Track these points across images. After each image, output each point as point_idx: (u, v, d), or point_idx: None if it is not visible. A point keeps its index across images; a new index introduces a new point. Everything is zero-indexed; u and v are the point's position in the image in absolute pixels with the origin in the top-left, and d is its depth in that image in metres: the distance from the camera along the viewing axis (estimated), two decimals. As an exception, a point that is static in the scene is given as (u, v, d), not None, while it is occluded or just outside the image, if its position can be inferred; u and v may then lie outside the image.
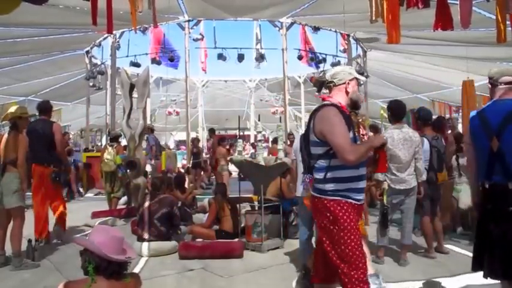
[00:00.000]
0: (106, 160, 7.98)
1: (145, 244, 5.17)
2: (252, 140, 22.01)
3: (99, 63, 13.80)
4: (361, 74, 13.59)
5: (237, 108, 25.37)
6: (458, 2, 6.26)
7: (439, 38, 10.37)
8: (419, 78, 15.33)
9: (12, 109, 5.15)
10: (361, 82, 2.84)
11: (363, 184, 2.67)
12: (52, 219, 5.78)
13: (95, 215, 7.48)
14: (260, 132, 7.11)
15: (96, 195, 11.10)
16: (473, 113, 2.88)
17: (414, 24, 9.12)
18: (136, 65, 12.92)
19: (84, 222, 7.08)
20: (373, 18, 6.60)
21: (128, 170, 7.01)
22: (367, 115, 14.09)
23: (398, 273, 4.37)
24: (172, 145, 23.84)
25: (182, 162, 15.49)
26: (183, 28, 12.09)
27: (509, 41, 6.52)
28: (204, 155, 13.93)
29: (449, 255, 5.00)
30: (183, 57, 12.15)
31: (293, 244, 5.34)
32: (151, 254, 5.13)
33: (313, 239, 4.50)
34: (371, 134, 9.27)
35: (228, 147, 11.14)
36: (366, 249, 3.39)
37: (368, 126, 10.41)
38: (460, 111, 15.38)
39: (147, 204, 5.45)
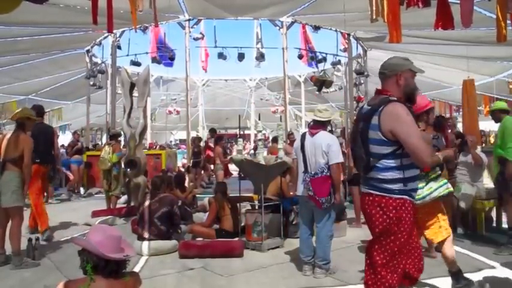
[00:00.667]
0: (102, 158, 8.04)
1: (145, 243, 5.18)
2: (252, 139, 22.08)
3: (99, 62, 13.79)
4: (362, 73, 13.63)
5: (237, 108, 25.41)
6: (459, 1, 6.24)
7: (439, 37, 10.36)
8: (420, 77, 15.12)
9: (21, 110, 5.25)
10: (416, 73, 2.69)
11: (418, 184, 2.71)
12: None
13: (95, 214, 7.49)
14: (260, 131, 7.14)
15: (96, 194, 11.11)
16: None
17: (415, 24, 9.10)
18: (136, 64, 12.91)
19: (84, 221, 7.10)
20: (374, 17, 6.59)
21: (128, 169, 7.01)
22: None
23: (398, 273, 4.38)
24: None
25: (182, 161, 15.50)
26: (183, 27, 12.07)
27: (509, 40, 6.50)
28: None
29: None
30: (183, 57, 12.13)
31: (293, 243, 5.35)
32: (152, 253, 5.13)
33: (313, 238, 4.51)
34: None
35: (223, 150, 10.98)
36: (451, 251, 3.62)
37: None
38: (461, 110, 15.38)
39: (147, 203, 5.45)
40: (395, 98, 2.51)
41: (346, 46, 13.75)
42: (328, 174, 4.24)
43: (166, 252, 5.21)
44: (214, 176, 11.93)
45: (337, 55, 13.75)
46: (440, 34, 8.76)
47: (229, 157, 9.24)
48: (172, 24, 12.59)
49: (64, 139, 18.18)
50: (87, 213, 7.51)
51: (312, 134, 4.42)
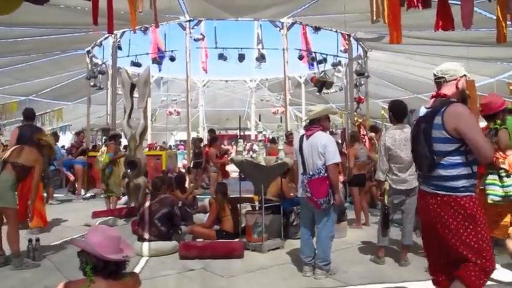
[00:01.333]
0: (97, 159, 8.17)
1: (145, 244, 5.17)
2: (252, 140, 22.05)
3: (100, 63, 13.79)
4: (362, 74, 13.63)
5: (237, 108, 25.41)
6: (459, 2, 6.24)
7: (439, 38, 10.36)
8: (420, 79, 15.30)
9: (50, 135, 5.69)
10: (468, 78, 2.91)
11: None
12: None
13: (96, 214, 7.48)
14: (261, 132, 7.11)
15: (96, 194, 11.09)
16: None
17: (415, 25, 9.11)
18: (137, 64, 12.93)
19: (84, 221, 7.09)
20: (374, 18, 6.58)
21: (129, 170, 7.01)
22: (368, 115, 14.10)
23: (398, 274, 4.38)
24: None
25: (183, 162, 15.49)
26: (184, 28, 12.08)
27: (509, 41, 6.50)
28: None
29: (450, 256, 4.99)
30: (184, 57, 12.13)
31: (294, 244, 5.34)
32: (152, 254, 5.13)
33: (314, 239, 4.50)
34: (372, 134, 9.27)
35: (218, 151, 10.80)
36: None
37: (369, 126, 10.43)
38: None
39: (147, 204, 5.44)
40: (455, 100, 2.73)
41: (347, 47, 13.75)
42: (325, 175, 4.23)
43: (166, 253, 5.20)
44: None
45: (337, 56, 13.76)
46: (440, 35, 8.75)
47: (229, 158, 9.22)
48: (172, 25, 12.60)
49: (64, 140, 18.18)
50: (88, 214, 7.50)
51: (308, 136, 4.42)
